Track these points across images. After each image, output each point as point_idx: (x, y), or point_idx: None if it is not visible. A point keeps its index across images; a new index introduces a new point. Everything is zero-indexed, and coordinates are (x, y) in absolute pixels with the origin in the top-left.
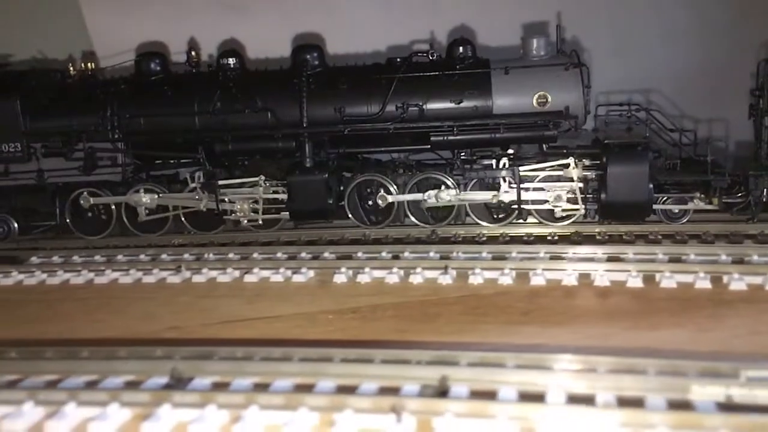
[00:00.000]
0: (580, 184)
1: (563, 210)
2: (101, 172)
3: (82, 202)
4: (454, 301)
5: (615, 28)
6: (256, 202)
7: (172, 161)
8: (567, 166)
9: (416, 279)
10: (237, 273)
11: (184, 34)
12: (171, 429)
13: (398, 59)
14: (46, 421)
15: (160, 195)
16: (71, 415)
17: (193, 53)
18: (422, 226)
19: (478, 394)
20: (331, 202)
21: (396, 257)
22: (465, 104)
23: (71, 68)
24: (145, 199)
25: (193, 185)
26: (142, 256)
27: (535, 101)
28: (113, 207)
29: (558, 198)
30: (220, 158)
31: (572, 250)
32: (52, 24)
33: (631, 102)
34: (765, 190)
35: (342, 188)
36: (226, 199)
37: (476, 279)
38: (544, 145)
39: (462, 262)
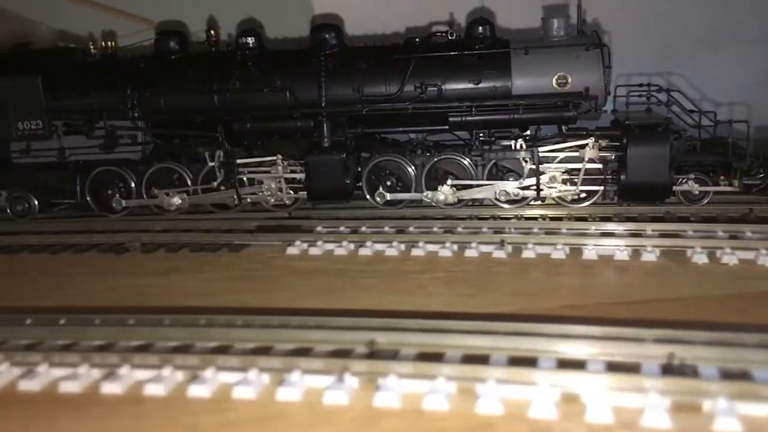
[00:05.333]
0: (589, 165)
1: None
2: (121, 150)
3: (114, 204)
4: None
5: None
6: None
7: (191, 139)
8: (585, 146)
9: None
10: (567, 249)
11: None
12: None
13: (417, 39)
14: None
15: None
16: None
17: (212, 32)
18: (442, 207)
19: None
20: (348, 182)
21: (734, 237)
22: (484, 84)
23: (92, 47)
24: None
25: (212, 164)
26: (435, 228)
27: (554, 82)
28: (132, 185)
29: (553, 179)
30: (238, 137)
31: None
32: None
33: (651, 83)
34: None
35: (359, 169)
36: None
37: None
38: (563, 127)
39: None
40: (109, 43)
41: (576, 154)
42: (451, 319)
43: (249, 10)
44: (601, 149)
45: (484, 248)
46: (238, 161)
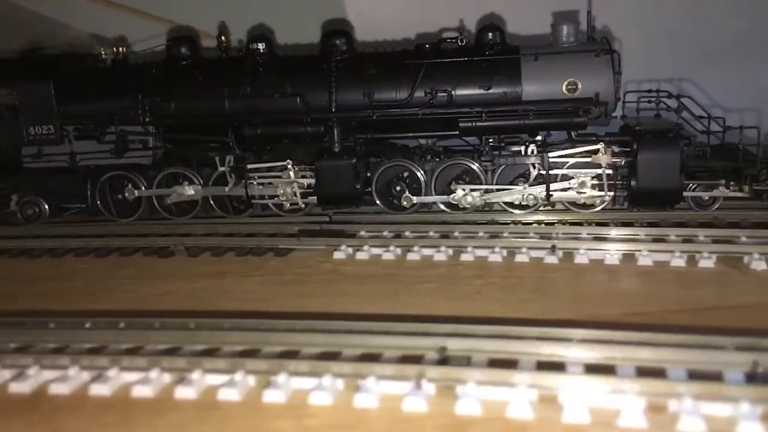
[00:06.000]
0: (609, 171)
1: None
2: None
3: (126, 194)
4: None
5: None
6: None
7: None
8: (596, 152)
9: None
10: (620, 255)
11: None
12: None
13: (427, 45)
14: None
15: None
16: None
17: (222, 38)
18: (450, 213)
19: None
20: (359, 187)
21: None
22: (494, 90)
23: (103, 52)
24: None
25: (222, 169)
26: (480, 233)
27: (564, 88)
28: (143, 189)
29: (582, 184)
30: (248, 142)
31: None
32: None
33: (660, 89)
34: None
35: (369, 174)
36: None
37: None
38: (573, 132)
39: None
40: (120, 48)
41: (587, 159)
42: (516, 326)
43: (282, 13)
44: (612, 155)
45: (534, 253)
46: (249, 166)
